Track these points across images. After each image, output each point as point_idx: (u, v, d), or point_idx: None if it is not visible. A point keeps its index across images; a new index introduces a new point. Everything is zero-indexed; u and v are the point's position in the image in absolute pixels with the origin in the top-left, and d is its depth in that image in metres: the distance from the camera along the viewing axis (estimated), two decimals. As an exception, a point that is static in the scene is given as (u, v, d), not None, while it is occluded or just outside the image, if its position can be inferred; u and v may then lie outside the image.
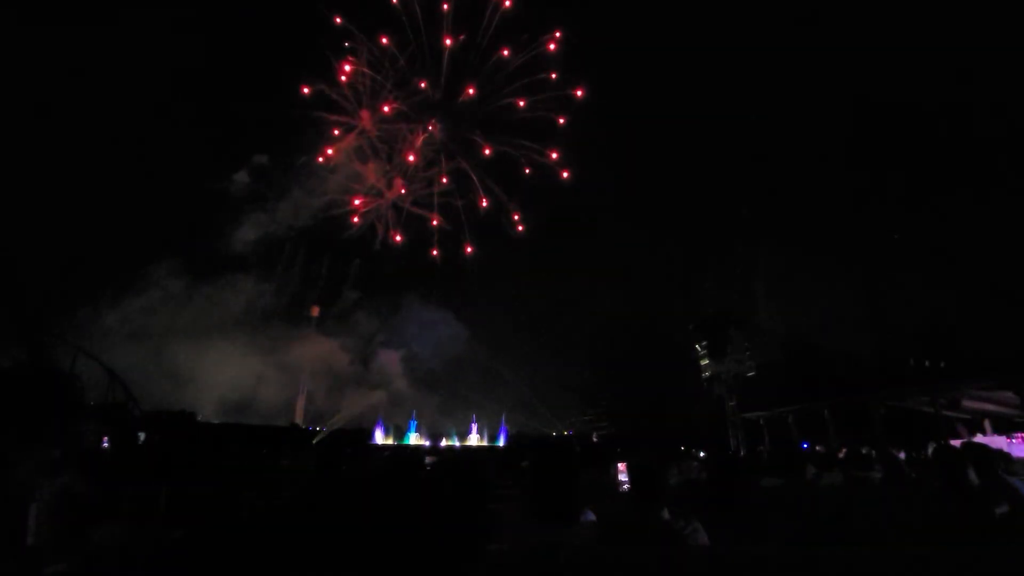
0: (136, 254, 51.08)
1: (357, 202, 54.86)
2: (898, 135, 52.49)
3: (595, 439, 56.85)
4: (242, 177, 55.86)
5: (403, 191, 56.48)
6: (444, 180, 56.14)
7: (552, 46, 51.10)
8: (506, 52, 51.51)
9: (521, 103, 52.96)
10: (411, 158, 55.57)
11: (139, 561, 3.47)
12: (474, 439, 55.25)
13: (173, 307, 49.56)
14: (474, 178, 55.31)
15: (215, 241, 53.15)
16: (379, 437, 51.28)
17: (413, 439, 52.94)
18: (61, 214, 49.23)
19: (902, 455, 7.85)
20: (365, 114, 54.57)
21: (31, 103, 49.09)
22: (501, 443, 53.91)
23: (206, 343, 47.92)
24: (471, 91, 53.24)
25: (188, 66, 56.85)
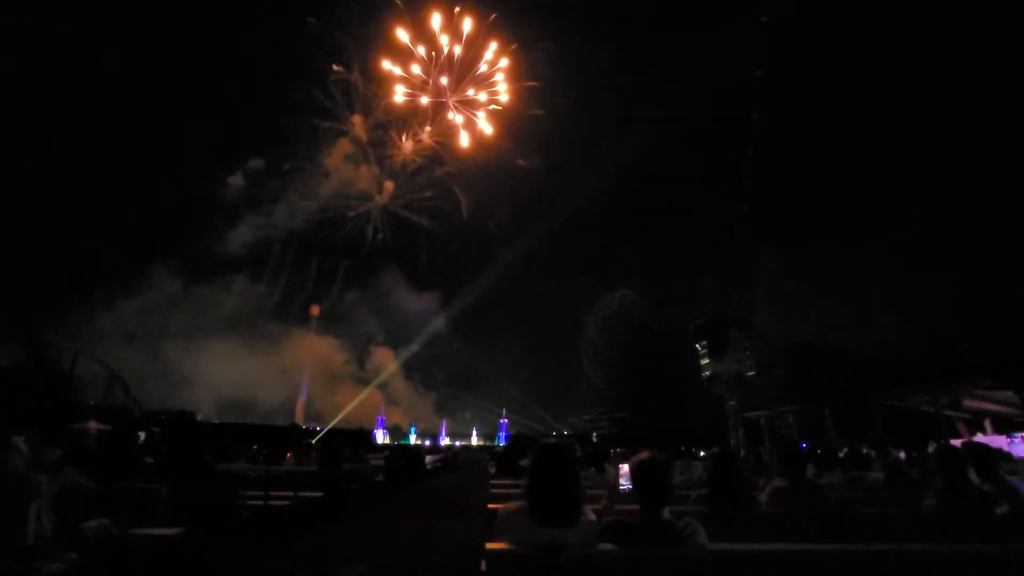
0: (136, 256, 51.22)
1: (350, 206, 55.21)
2: (898, 137, 52.45)
3: (595, 439, 56.83)
4: (238, 180, 56.13)
5: (393, 194, 56.76)
6: (434, 184, 56.35)
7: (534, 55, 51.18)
8: (495, 58, 51.67)
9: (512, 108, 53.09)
10: (401, 162, 55.84)
11: (138, 560, 3.47)
12: (473, 440, 55.21)
13: (172, 308, 49.63)
14: (457, 189, 55.49)
15: (213, 243, 53.27)
16: (379, 437, 51.27)
17: (413, 439, 52.89)
18: (62, 216, 49.24)
19: (902, 455, 7.83)
20: (357, 119, 54.85)
21: (30, 105, 49.08)
22: (501, 443, 53.90)
23: (205, 344, 47.98)
24: (464, 97, 53.38)
25: (186, 69, 56.87)
